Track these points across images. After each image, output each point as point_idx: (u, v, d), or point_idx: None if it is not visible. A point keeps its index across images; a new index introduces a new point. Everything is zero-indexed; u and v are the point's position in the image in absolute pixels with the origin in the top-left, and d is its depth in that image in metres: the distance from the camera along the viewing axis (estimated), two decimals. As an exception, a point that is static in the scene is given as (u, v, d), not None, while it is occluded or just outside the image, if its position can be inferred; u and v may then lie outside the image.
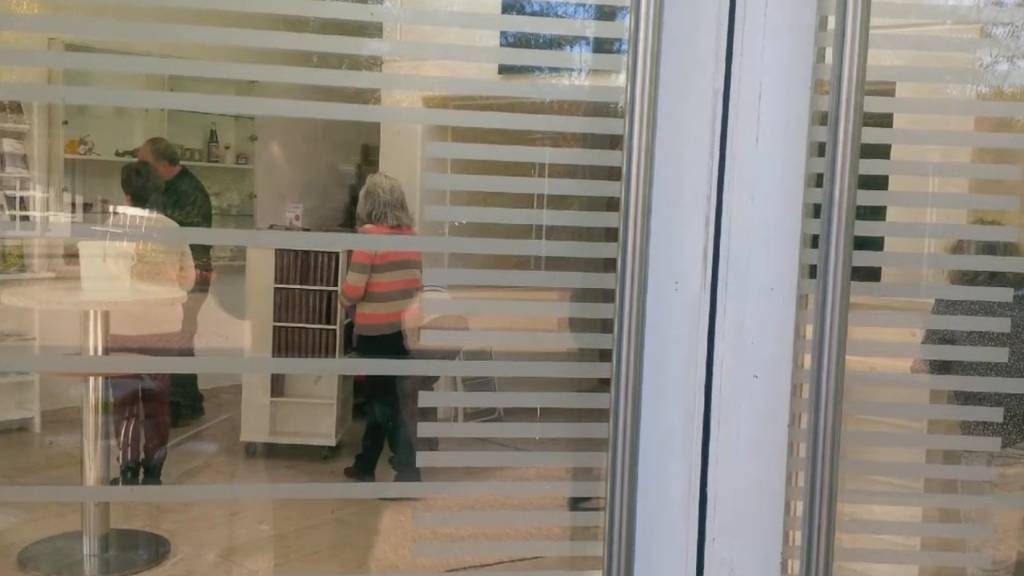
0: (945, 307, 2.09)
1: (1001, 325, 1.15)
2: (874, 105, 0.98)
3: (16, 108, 5.57)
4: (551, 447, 1.09)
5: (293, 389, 5.08)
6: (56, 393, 5.11)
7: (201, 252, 4.68)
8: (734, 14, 0.98)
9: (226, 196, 6.74)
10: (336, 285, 4.91)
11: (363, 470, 4.64)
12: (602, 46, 1.03)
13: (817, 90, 0.99)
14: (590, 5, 1.05)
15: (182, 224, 4.73)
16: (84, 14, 1.04)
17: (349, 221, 6.24)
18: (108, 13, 1.08)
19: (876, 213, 1.09)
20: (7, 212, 5.37)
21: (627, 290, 0.91)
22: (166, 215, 4.59)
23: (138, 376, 4.26)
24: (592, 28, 1.06)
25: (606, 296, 0.96)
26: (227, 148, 6.78)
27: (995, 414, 1.17)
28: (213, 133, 6.67)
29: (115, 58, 1.03)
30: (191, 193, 5.12)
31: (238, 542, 4.13)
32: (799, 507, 0.99)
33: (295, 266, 4.95)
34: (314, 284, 4.96)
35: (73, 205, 5.85)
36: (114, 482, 4.03)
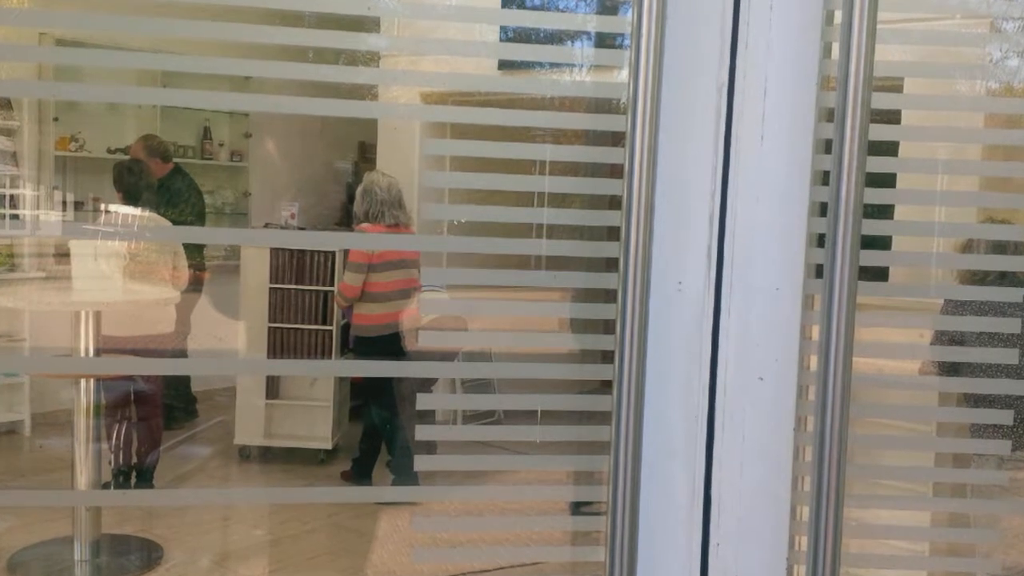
0: (954, 308, 2.09)
1: (1011, 326, 1.15)
2: (882, 101, 0.98)
3: (5, 104, 5.57)
4: (552, 450, 1.09)
5: (288, 391, 5.08)
6: (46, 395, 5.11)
7: (195, 251, 4.68)
8: (739, 8, 0.98)
9: (220, 194, 6.74)
10: (332, 285, 4.91)
11: (360, 474, 4.64)
12: (604, 41, 1.03)
13: (823, 86, 0.99)
14: (592, -1, 1.05)
15: (175, 223, 4.73)
16: (75, 8, 1.04)
17: (346, 220, 6.24)
18: (100, 8, 1.08)
19: (884, 212, 1.09)
20: (-4, 211, 5.37)
21: (629, 290, 0.91)
22: (159, 213, 4.59)
23: (130, 378, 4.26)
24: (594, 23, 1.06)
25: (608, 296, 0.96)
26: (221, 145, 6.78)
27: (1005, 416, 1.17)
28: (207, 130, 6.67)
29: (107, 53, 1.03)
30: (184, 191, 5.12)
31: (232, 547, 4.13)
32: (805, 511, 0.99)
33: (290, 266, 4.95)
34: (310, 284, 4.96)
35: (64, 203, 5.84)
36: (106, 486, 4.03)
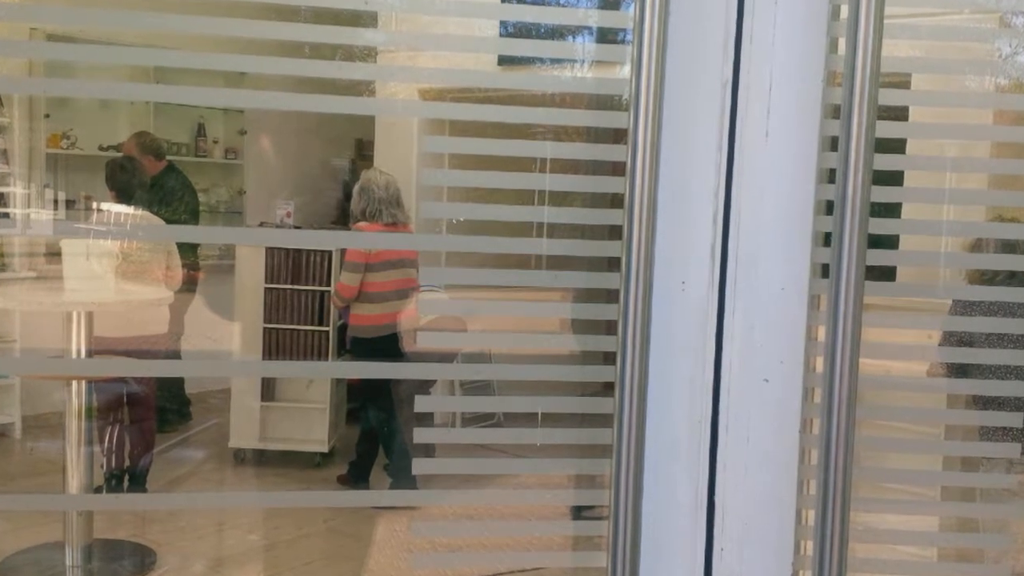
0: (963, 308, 2.09)
1: (1021, 327, 1.15)
2: (889, 98, 0.98)
3: (-5, 101, 5.57)
4: (553, 453, 1.09)
5: (284, 393, 5.08)
6: (37, 397, 5.11)
7: (188, 251, 4.68)
8: (743, 3, 0.98)
9: (214, 192, 6.74)
10: (329, 285, 4.91)
11: (357, 478, 4.64)
12: (606, 36, 1.03)
13: (830, 82, 0.99)
14: (593, -6, 1.05)
15: (168, 221, 4.73)
16: (66, 3, 1.04)
17: (342, 218, 6.24)
18: (92, 2, 1.08)
19: (891, 210, 1.09)
20: (-14, 209, 5.37)
21: (632, 290, 0.91)
22: (152, 212, 4.60)
23: (123, 380, 4.26)
24: (595, 17, 1.06)
25: (610, 296, 0.96)
26: (215, 142, 6.78)
27: (1015, 419, 1.17)
28: (201, 127, 6.67)
29: (99, 48, 1.03)
30: (178, 189, 5.12)
31: (227, 553, 4.13)
32: (811, 516, 0.99)
33: (286, 265, 4.95)
34: (306, 284, 4.96)
35: (55, 202, 5.85)
36: (98, 490, 4.03)
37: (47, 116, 5.88)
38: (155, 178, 4.96)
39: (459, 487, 1.19)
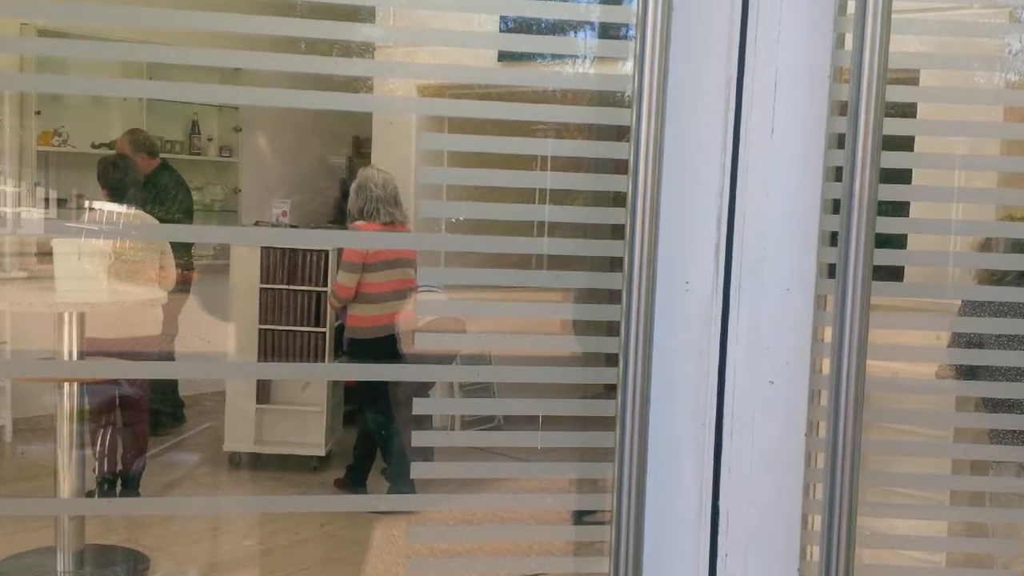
0: (972, 308, 2.09)
1: (1031, 328, 1.15)
2: (897, 94, 0.98)
3: (-14, 97, 5.57)
4: (554, 457, 1.09)
5: (280, 396, 5.08)
6: (28, 400, 5.11)
7: (182, 250, 4.68)
8: (748, -2, 0.98)
9: (209, 191, 6.74)
10: (325, 285, 4.91)
11: (354, 482, 4.64)
12: (608, 31, 1.03)
13: (836, 78, 0.99)
14: (595, -12, 1.05)
15: (162, 220, 4.73)
16: (58, -2, 1.04)
17: (339, 217, 6.24)
18: (84, -4, 1.08)
19: (899, 209, 1.09)
20: (-24, 208, 5.37)
21: (634, 290, 0.91)
22: (145, 211, 4.60)
23: (115, 382, 4.26)
24: (597, 12, 1.06)
25: (612, 297, 0.96)
26: (210, 140, 6.78)
27: (1025, 422, 1.17)
28: (195, 124, 6.67)
29: (91, 44, 1.03)
30: (171, 187, 5.13)
31: (221, 558, 4.13)
32: (817, 521, 0.99)
33: (282, 265, 4.95)
34: (302, 284, 4.96)
35: (46, 200, 5.85)
36: (90, 494, 4.03)
37: (38, 113, 5.88)
38: (148, 176, 4.96)
39: (458, 491, 1.19)
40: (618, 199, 0.95)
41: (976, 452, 1.60)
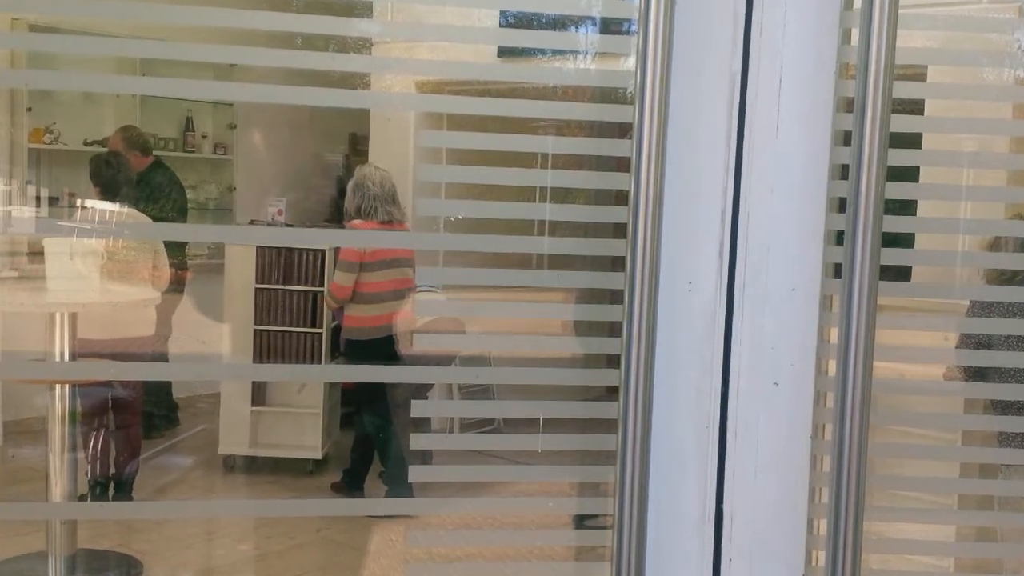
0: (981, 309, 2.09)
1: (1041, 328, 1.15)
2: (904, 90, 0.98)
3: (-24, 94, 5.58)
4: (555, 460, 1.09)
5: (275, 397, 5.08)
6: (19, 402, 5.10)
7: (176, 249, 4.68)
8: (752, -8, 0.98)
9: (203, 189, 6.74)
10: (322, 285, 4.91)
11: (351, 485, 4.64)
12: (610, 27, 1.04)
13: (842, 74, 0.99)
14: (597, -18, 1.05)
15: (155, 219, 4.73)
16: (50, -8, 1.04)
17: (336, 216, 6.24)
18: (75, -9, 1.08)
19: (906, 207, 1.09)
20: (-34, 206, 5.37)
21: (637, 291, 0.91)
22: (138, 209, 4.60)
23: (108, 384, 4.26)
24: (599, 7, 1.06)
25: (614, 297, 0.96)
26: (204, 137, 6.78)
27: (1035, 425, 1.17)
28: (189, 121, 6.67)
29: (83, 39, 1.03)
30: (165, 186, 5.13)
31: (216, 563, 4.13)
32: (823, 525, 0.99)
33: (278, 265, 4.95)
34: (298, 284, 4.96)
35: (37, 199, 5.84)
36: (82, 498, 4.03)
37: (29, 110, 5.88)
38: (141, 174, 4.96)
39: (457, 495, 1.19)
40: (620, 197, 0.95)
41: (985, 455, 1.60)
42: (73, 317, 3.69)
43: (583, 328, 1.09)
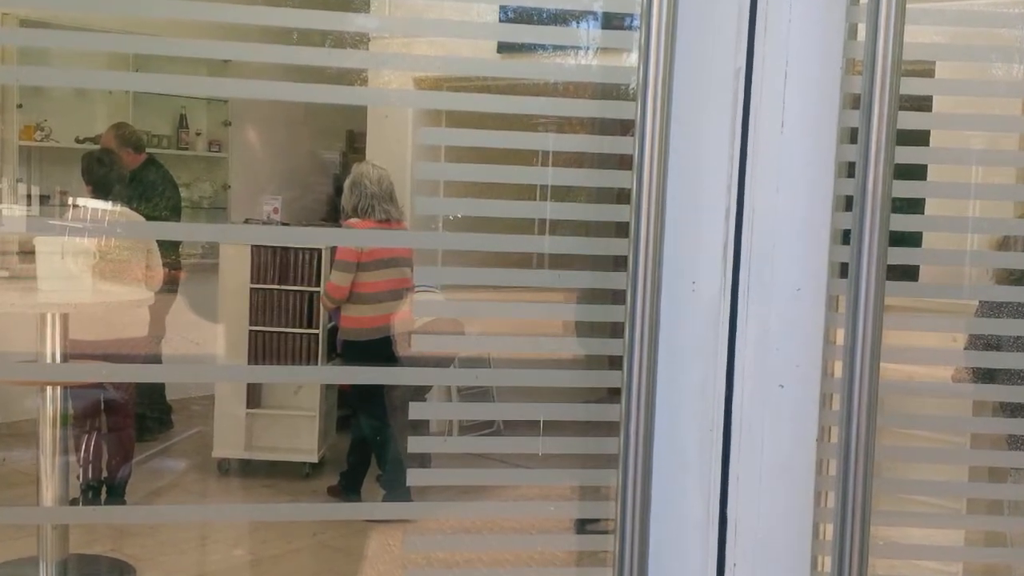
0: (990, 309, 2.09)
1: (1051, 329, 1.15)
2: (911, 87, 0.98)
3: (-34, 90, 5.58)
4: (555, 464, 1.09)
5: (271, 400, 5.08)
6: (9, 404, 5.11)
7: (170, 249, 4.68)
8: (757, -14, 0.98)
9: (197, 187, 6.75)
10: (318, 285, 4.91)
11: (348, 489, 4.64)
12: (612, 21, 1.03)
13: (849, 70, 0.99)
14: (598, -23, 1.05)
15: (149, 218, 4.73)
16: (40, -14, 1.04)
17: (333, 214, 6.24)
18: (67, -15, 1.08)
19: (914, 206, 1.09)
20: (-44, 205, 5.37)
21: (639, 291, 0.91)
22: (131, 208, 4.60)
23: (100, 385, 4.26)
24: (601, 1, 1.06)
25: (616, 297, 0.96)
26: (198, 134, 6.78)
27: (1045, 427, 1.17)
28: (183, 118, 6.67)
29: (75, 35, 1.03)
30: (158, 184, 5.13)
31: (210, 568, 4.13)
32: (829, 530, 0.99)
33: (273, 264, 4.95)
34: (294, 284, 4.96)
35: (28, 197, 5.85)
36: (74, 502, 4.04)
37: (20, 106, 5.88)
38: (134, 172, 4.96)
39: (456, 499, 1.19)
40: (622, 196, 0.95)
41: (994, 458, 1.60)
42: (65, 318, 3.69)
43: (584, 329, 1.09)
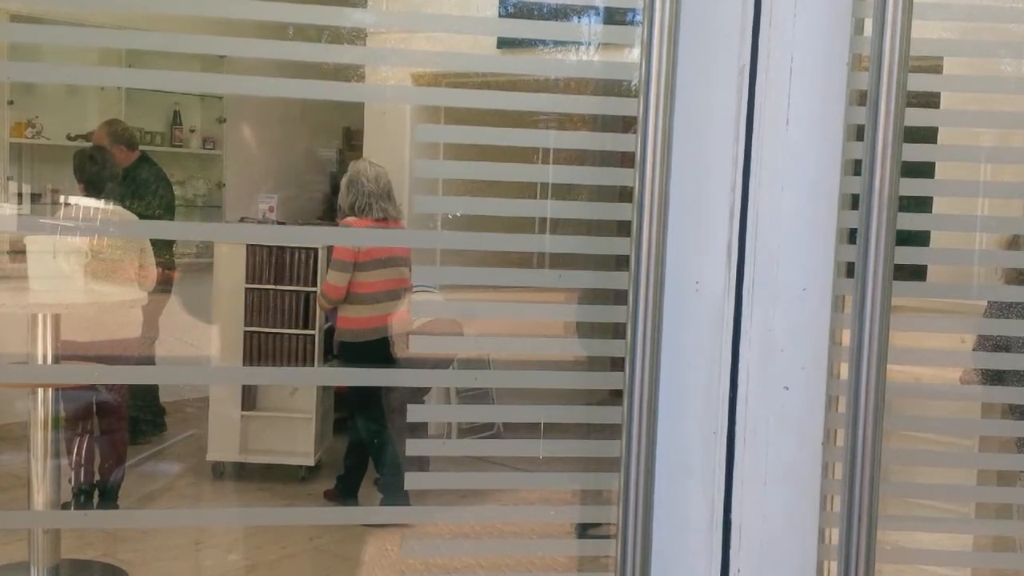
0: (998, 310, 2.10)
1: (1062, 330, 1.15)
2: (919, 83, 0.98)
3: (-45, 87, 5.58)
4: (556, 467, 1.09)
5: (266, 402, 5.08)
6: (0, 407, 5.11)
7: (163, 248, 4.68)
8: (762, -19, 0.98)
9: (191, 185, 6.75)
10: (315, 285, 4.91)
11: (345, 493, 4.64)
12: (614, 16, 1.04)
13: (855, 66, 0.99)
14: (600, -29, 1.05)
15: (142, 216, 4.73)
16: (32, -19, 1.04)
17: (329, 213, 6.24)
18: (59, -20, 1.08)
19: (921, 204, 1.09)
20: (-55, 203, 5.38)
21: (642, 291, 0.91)
22: (124, 206, 4.60)
23: (92, 387, 4.26)
24: (602, -3, 1.06)
25: (618, 298, 0.96)
26: (192, 131, 6.78)
27: (1055, 430, 1.17)
28: (176, 114, 6.67)
29: (67, 30, 1.03)
30: (152, 182, 5.13)
31: (204, 574, 4.13)
32: (834, 535, 0.99)
33: (269, 264, 4.95)
34: (290, 284, 4.96)
35: (19, 195, 5.85)
36: (65, 506, 4.03)
37: (11, 103, 5.88)
38: (127, 170, 4.96)
39: (455, 503, 1.19)
40: (624, 194, 0.95)
41: (1003, 462, 1.60)
42: (56, 318, 3.69)
43: (585, 330, 1.09)
